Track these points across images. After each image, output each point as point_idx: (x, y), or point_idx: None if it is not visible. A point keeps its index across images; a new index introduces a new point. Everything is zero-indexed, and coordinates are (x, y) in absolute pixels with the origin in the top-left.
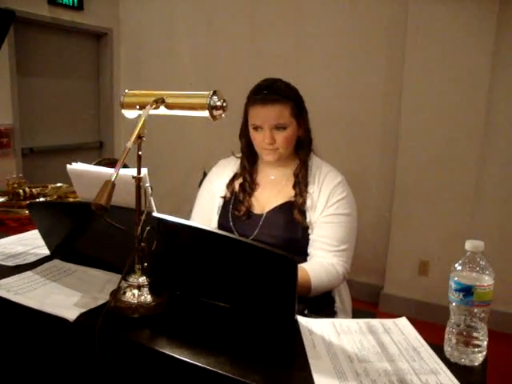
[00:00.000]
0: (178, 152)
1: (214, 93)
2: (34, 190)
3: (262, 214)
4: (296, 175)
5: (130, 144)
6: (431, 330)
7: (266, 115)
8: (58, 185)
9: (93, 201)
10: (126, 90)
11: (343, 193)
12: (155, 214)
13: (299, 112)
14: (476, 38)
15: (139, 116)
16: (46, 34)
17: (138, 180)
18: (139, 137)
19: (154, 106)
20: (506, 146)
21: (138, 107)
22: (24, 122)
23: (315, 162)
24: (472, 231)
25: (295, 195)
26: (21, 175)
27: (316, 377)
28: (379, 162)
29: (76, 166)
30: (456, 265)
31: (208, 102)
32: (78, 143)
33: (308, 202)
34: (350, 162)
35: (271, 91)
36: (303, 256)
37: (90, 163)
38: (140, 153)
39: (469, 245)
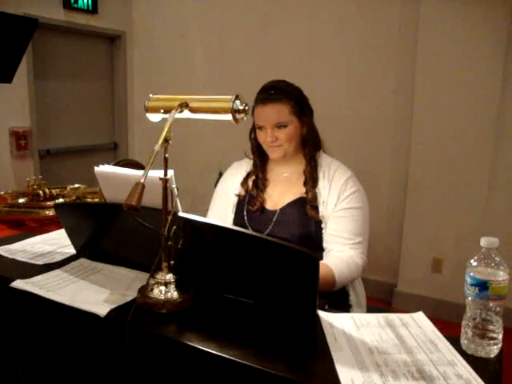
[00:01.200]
0: (194, 152)
1: (237, 97)
2: (53, 190)
3: (276, 210)
4: (305, 173)
5: (157, 147)
6: (445, 327)
7: (267, 115)
8: (76, 186)
9: (124, 201)
10: (151, 95)
11: (353, 187)
12: (181, 213)
13: (301, 110)
14: (488, 38)
15: (164, 120)
16: (62, 37)
17: (165, 181)
18: (166, 140)
19: (179, 110)
20: None
21: (162, 111)
22: (41, 124)
23: (325, 159)
24: (485, 229)
25: (306, 192)
26: (41, 176)
27: (339, 367)
28: (391, 161)
29: (103, 168)
30: (471, 261)
31: (231, 106)
32: (93, 144)
33: (319, 198)
34: (363, 161)
35: (272, 92)
36: (318, 251)
37: (106, 164)
38: (167, 155)
39: (484, 241)
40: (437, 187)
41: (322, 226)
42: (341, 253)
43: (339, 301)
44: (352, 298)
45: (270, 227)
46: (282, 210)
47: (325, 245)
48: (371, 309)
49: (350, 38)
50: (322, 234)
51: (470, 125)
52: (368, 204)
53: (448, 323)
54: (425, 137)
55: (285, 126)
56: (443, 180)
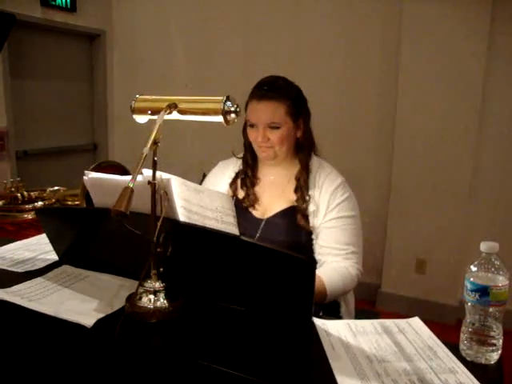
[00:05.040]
0: (175, 154)
1: (228, 98)
2: (32, 193)
3: (263, 220)
4: (297, 179)
5: (146, 150)
6: (430, 327)
7: (260, 113)
8: (56, 188)
9: (112, 207)
10: (137, 95)
11: (344, 195)
12: (170, 218)
13: (297, 112)
14: (470, 37)
15: (151, 121)
16: (40, 35)
17: (154, 185)
18: (155, 142)
19: (168, 111)
20: (500, 146)
21: (149, 112)
22: (18, 124)
23: (315, 163)
24: (467, 229)
25: (297, 200)
26: (18, 178)
27: (339, 378)
28: (375, 162)
29: (91, 175)
30: (471, 266)
31: (222, 108)
32: (73, 145)
33: (310, 207)
34: (346, 162)
35: (270, 88)
36: None
37: (85, 165)
38: (156, 158)
39: (484, 246)
40: (420, 188)
41: (313, 236)
42: (334, 263)
43: (329, 312)
44: (343, 310)
45: (258, 235)
46: (270, 219)
47: (318, 257)
48: (357, 312)
49: (334, 39)
50: (312, 244)
51: (452, 125)
52: (359, 210)
53: (432, 323)
54: (408, 137)
55: (278, 128)
56: (426, 181)
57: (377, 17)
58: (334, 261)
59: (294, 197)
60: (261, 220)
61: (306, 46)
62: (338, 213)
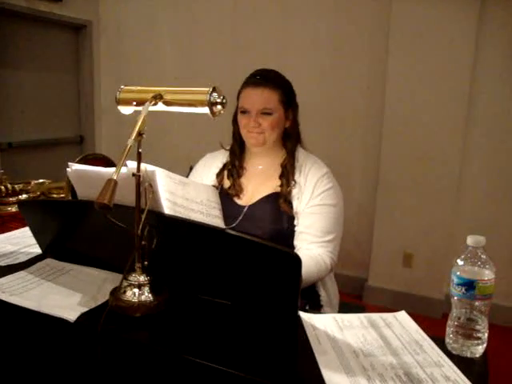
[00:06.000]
0: (162, 146)
1: (214, 89)
2: (16, 186)
3: (245, 206)
4: (283, 166)
5: (130, 141)
6: (416, 321)
7: (255, 98)
8: (41, 181)
9: (96, 200)
10: (122, 86)
11: (329, 184)
12: (155, 210)
13: (288, 102)
14: (458, 31)
15: (137, 112)
16: (23, 25)
17: (138, 177)
18: (139, 134)
19: (153, 102)
20: (487, 139)
21: (134, 103)
22: (2, 115)
23: (302, 153)
24: (454, 223)
25: (281, 185)
26: (2, 171)
27: (325, 373)
28: (362, 156)
29: (75, 167)
30: (458, 260)
31: (208, 99)
32: (58, 138)
33: (294, 192)
34: (333, 156)
35: (263, 77)
36: (289, 248)
37: (71, 158)
38: (140, 150)
39: (470, 240)
40: (407, 182)
41: (295, 222)
42: (309, 251)
43: (309, 301)
44: (323, 298)
45: (238, 222)
46: (252, 205)
47: (295, 242)
48: (343, 305)
49: (322, 33)
50: (293, 231)
51: (440, 120)
52: (343, 202)
53: (419, 317)
54: (396, 132)
55: (270, 114)
56: (414, 175)
57: (366, 10)
58: (310, 248)
59: (278, 183)
60: (243, 207)
61: (295, 39)
62: (321, 200)
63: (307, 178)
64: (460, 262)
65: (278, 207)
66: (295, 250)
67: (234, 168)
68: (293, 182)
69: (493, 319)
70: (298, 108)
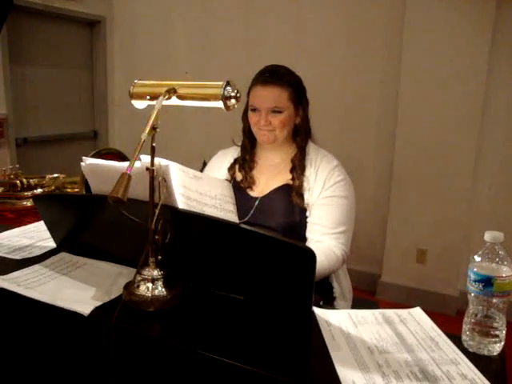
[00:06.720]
0: (176, 141)
1: (228, 83)
2: (31, 180)
3: (258, 198)
4: (294, 161)
5: (144, 136)
6: (430, 318)
7: (265, 97)
8: (56, 175)
9: (109, 194)
10: (136, 80)
11: (340, 176)
12: (169, 205)
13: (298, 99)
14: (474, 28)
15: (150, 107)
16: (39, 21)
17: (152, 172)
18: (153, 128)
19: (167, 96)
20: (503, 135)
21: (148, 98)
22: (17, 111)
23: (312, 148)
24: (469, 219)
25: (292, 178)
26: (18, 166)
27: (339, 369)
28: (376, 151)
29: (89, 161)
30: (475, 256)
31: (222, 93)
32: (72, 133)
33: (305, 185)
34: (347, 151)
35: (273, 75)
36: (302, 241)
37: (86, 153)
38: (154, 144)
39: (488, 236)
40: (421, 177)
41: (307, 214)
42: (320, 243)
43: (322, 293)
44: (336, 290)
45: (250, 214)
46: (265, 197)
47: (307, 234)
48: (356, 300)
49: (336, 27)
50: (306, 223)
51: (455, 115)
52: (354, 194)
53: (432, 314)
54: (410, 127)
55: (280, 112)
56: (428, 170)
57: (379, 3)
58: (320, 240)
59: (289, 176)
60: (256, 198)
61: (308, 33)
62: (333, 192)
63: (318, 170)
64: (477, 259)
65: (290, 200)
66: (307, 243)
67: (246, 162)
68: (303, 176)
69: (511, 317)
70: (308, 104)
